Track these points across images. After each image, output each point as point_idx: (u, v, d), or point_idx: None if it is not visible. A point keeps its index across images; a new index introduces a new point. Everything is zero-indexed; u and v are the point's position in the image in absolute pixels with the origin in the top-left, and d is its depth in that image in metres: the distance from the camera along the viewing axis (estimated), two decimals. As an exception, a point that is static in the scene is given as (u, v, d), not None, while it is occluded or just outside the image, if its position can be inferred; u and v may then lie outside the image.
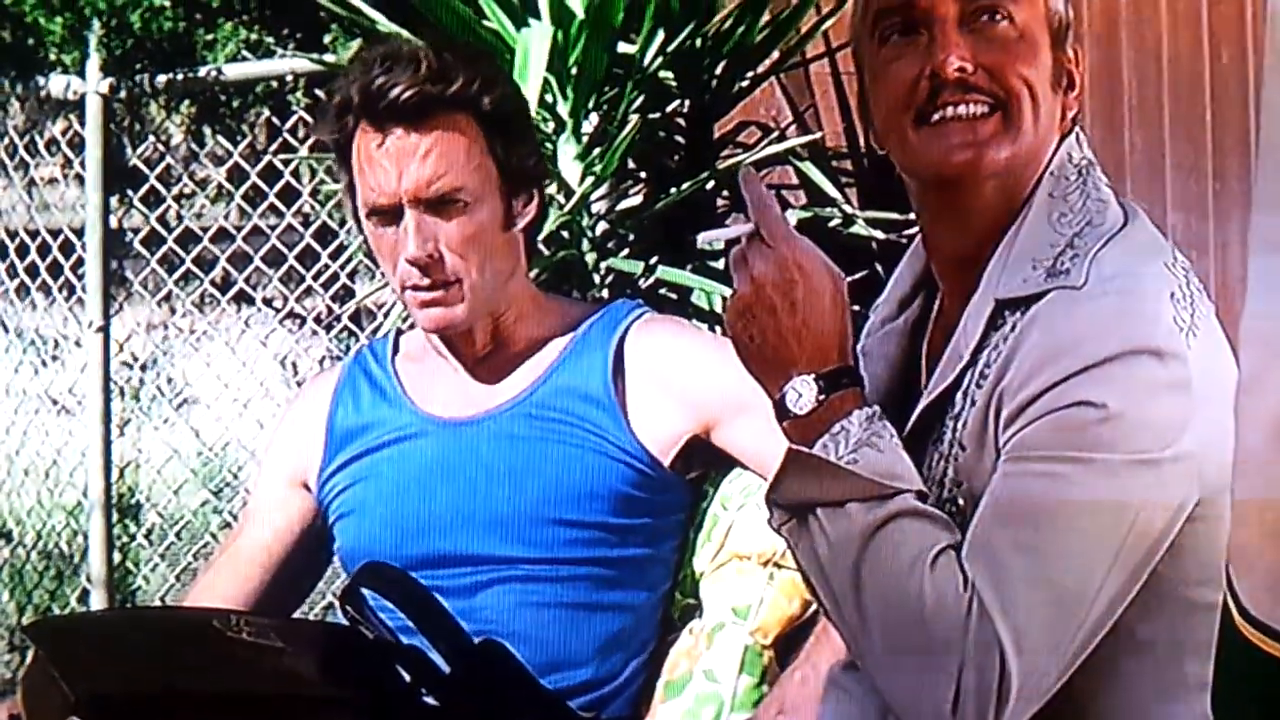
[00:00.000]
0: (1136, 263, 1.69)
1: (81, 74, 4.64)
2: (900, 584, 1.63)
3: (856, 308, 1.76)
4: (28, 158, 4.86)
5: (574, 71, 3.27)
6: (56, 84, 4.69)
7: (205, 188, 4.92)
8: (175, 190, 4.84)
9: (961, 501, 1.69)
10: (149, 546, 4.85)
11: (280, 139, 4.62)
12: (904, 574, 1.63)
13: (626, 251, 3.34)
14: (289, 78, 4.62)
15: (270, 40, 4.67)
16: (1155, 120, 3.86)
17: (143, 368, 4.93)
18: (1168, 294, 1.67)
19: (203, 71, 4.64)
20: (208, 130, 4.86)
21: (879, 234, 3.33)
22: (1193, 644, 1.69)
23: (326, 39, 4.60)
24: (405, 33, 3.11)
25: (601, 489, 2.30)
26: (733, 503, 2.35)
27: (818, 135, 3.54)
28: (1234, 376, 1.35)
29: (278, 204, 4.64)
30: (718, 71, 3.43)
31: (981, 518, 1.65)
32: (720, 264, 3.37)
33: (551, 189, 3.20)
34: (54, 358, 4.95)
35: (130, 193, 4.77)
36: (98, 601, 4.62)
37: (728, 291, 3.61)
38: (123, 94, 4.65)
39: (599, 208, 3.38)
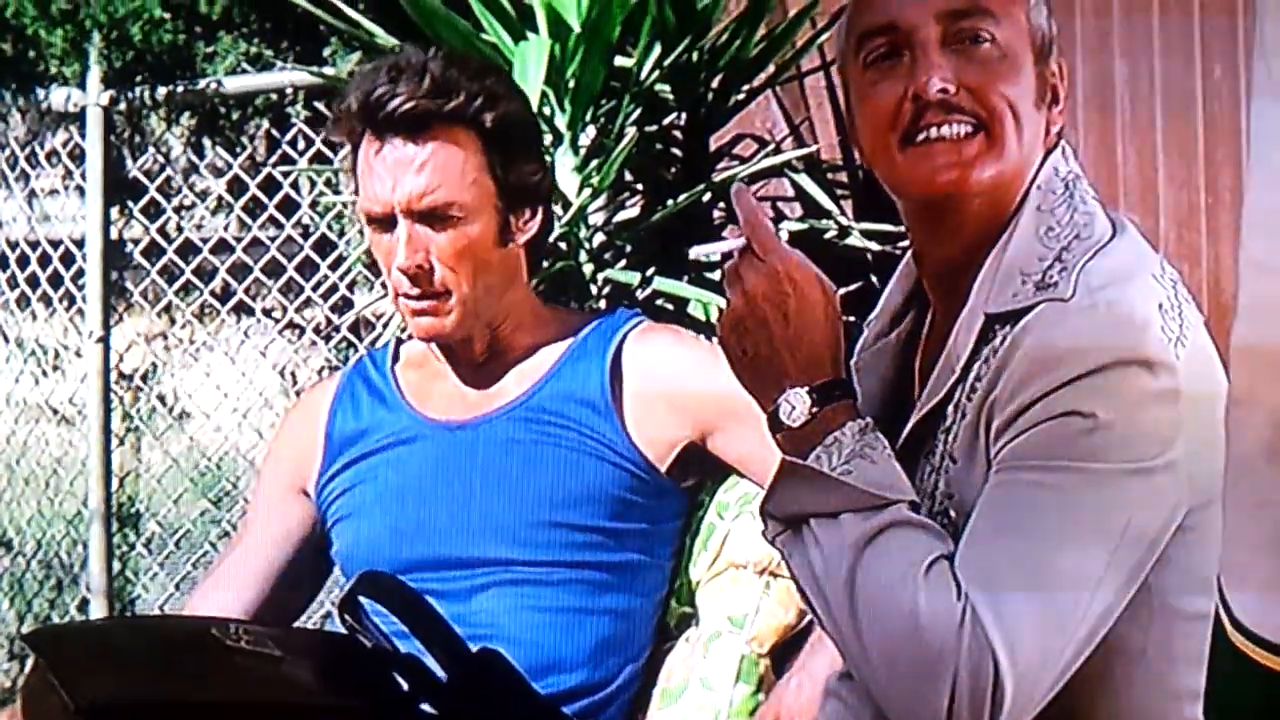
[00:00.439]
0: (1124, 274, 1.70)
1: (82, 86, 4.65)
2: (894, 594, 1.64)
3: (852, 318, 1.78)
4: (28, 169, 4.86)
5: (571, 85, 3.28)
6: (57, 96, 4.70)
7: (205, 199, 4.93)
8: (175, 202, 4.85)
9: (953, 514, 1.70)
10: (148, 556, 4.86)
11: (280, 151, 4.62)
12: (897, 584, 1.64)
13: (623, 263, 3.35)
14: (289, 90, 4.62)
15: (270, 53, 4.68)
16: (1147, 134, 3.87)
17: (143, 378, 4.93)
18: (1155, 304, 1.68)
19: (203, 84, 4.64)
20: (208, 142, 4.87)
21: (874, 246, 3.34)
22: (1183, 653, 1.70)
23: (326, 52, 4.60)
24: (411, 46, 3.12)
25: (598, 493, 2.31)
26: (729, 511, 2.36)
27: (813, 148, 3.55)
28: (1223, 386, 1.36)
29: (277, 215, 4.65)
30: (714, 85, 3.44)
31: (974, 528, 1.66)
32: (716, 276, 3.38)
33: (548, 200, 3.21)
34: (54, 368, 4.96)
35: (130, 204, 4.77)
36: (97, 610, 4.62)
37: (723, 303, 3.61)
38: (123, 106, 4.66)
39: (596, 219, 3.39)
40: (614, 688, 2.32)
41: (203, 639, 2.10)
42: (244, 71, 4.66)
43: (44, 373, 4.97)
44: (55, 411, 4.93)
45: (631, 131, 3.28)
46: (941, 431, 1.74)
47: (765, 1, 3.43)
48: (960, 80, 1.73)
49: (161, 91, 4.66)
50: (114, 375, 4.73)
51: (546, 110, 3.28)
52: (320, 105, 4.50)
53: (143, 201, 4.76)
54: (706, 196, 3.37)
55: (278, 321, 4.74)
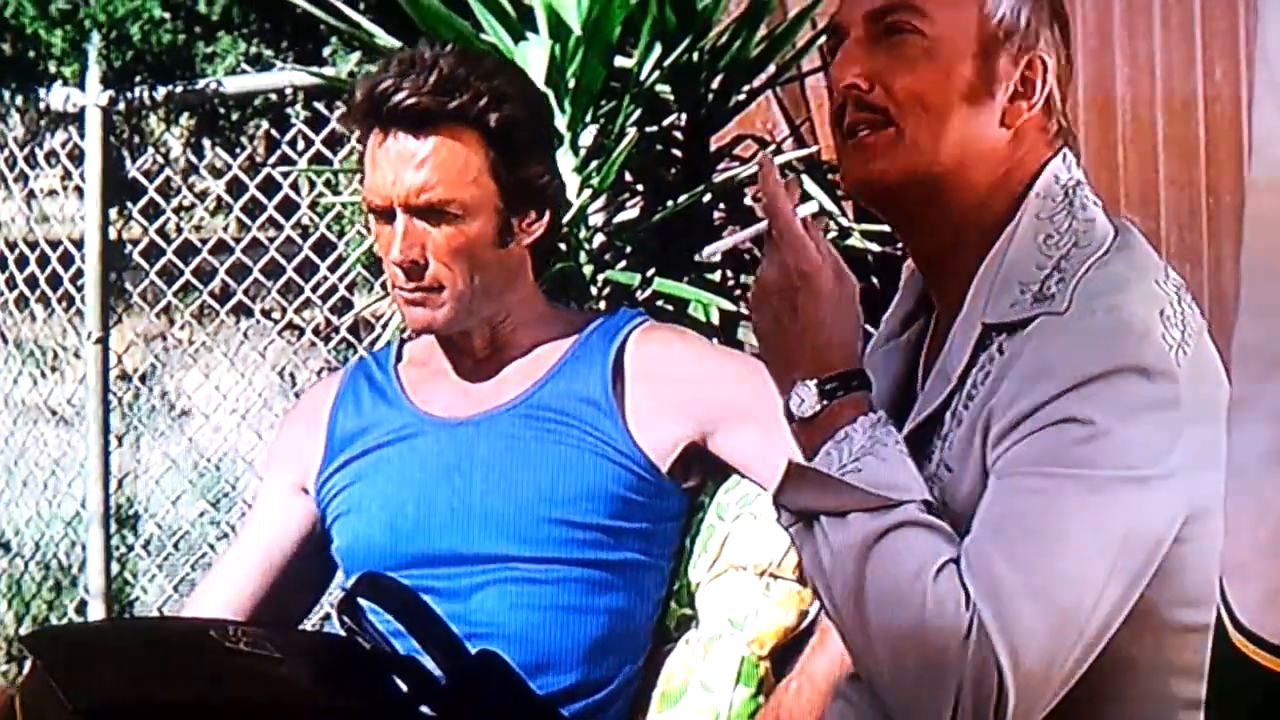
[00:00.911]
0: (1125, 282, 1.69)
1: (81, 86, 4.65)
2: (902, 595, 1.63)
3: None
4: (27, 170, 4.86)
5: (571, 85, 3.28)
6: (56, 96, 4.70)
7: (204, 200, 4.93)
8: (174, 202, 4.85)
9: (948, 522, 1.68)
10: (147, 557, 4.85)
11: (279, 151, 4.62)
12: (906, 585, 1.63)
13: (624, 264, 3.35)
14: (288, 91, 4.62)
15: (269, 53, 4.68)
16: (1149, 135, 3.87)
17: (141, 379, 4.93)
18: (1157, 311, 1.67)
19: (202, 84, 4.65)
20: (207, 143, 4.87)
21: (875, 247, 3.34)
22: (1181, 665, 1.69)
23: (326, 52, 4.61)
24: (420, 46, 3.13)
25: (598, 490, 2.31)
26: (729, 513, 2.36)
27: (813, 149, 3.55)
28: (1225, 394, 1.34)
29: (276, 216, 4.65)
30: (714, 85, 3.44)
31: (976, 534, 1.65)
32: (717, 276, 3.38)
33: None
34: (53, 369, 4.96)
35: (129, 204, 4.77)
36: (96, 612, 4.62)
37: (724, 303, 3.62)
38: (122, 106, 4.65)
39: (596, 220, 3.39)
40: (612, 688, 2.32)
41: (201, 640, 2.10)
42: (243, 72, 4.67)
43: (43, 373, 4.97)
44: (54, 412, 4.93)
45: (632, 132, 3.28)
46: (938, 439, 1.73)
47: (766, 2, 3.43)
48: (872, 75, 1.74)
49: (161, 92, 4.66)
50: (113, 376, 4.73)
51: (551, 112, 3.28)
52: (320, 106, 4.50)
53: (142, 202, 4.76)
54: (707, 197, 3.37)
55: (277, 322, 4.74)
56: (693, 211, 3.35)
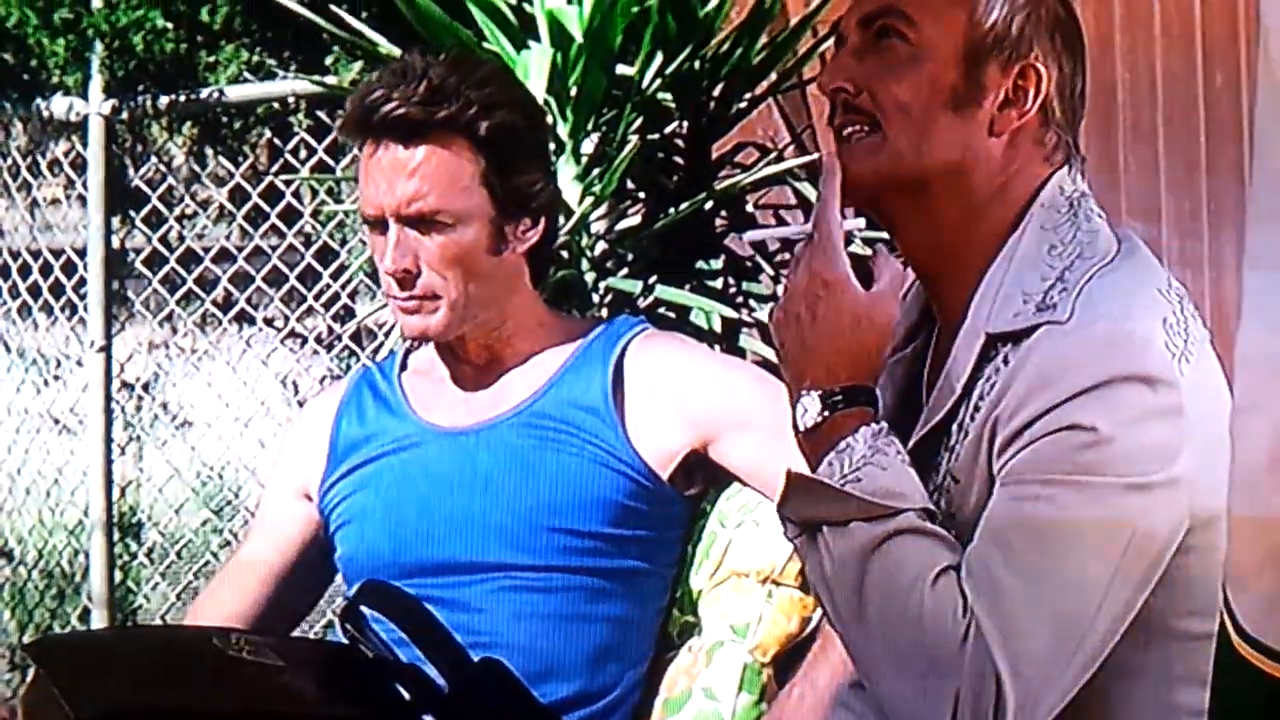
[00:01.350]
0: (1128, 291, 1.70)
1: (84, 95, 4.66)
2: (901, 603, 1.64)
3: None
4: (30, 178, 4.87)
5: (573, 93, 3.29)
6: (59, 105, 4.70)
7: (207, 208, 4.93)
8: (177, 211, 4.85)
9: (954, 533, 1.69)
10: (150, 565, 4.85)
11: (282, 160, 4.63)
12: (905, 593, 1.64)
13: (625, 271, 3.35)
14: (291, 99, 4.62)
15: (272, 62, 4.68)
16: (1149, 141, 3.88)
17: (144, 387, 4.93)
18: (1159, 320, 1.68)
19: (205, 93, 4.65)
20: (209, 151, 4.87)
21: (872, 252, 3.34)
22: (1184, 674, 1.70)
23: (328, 61, 4.61)
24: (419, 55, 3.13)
25: (599, 498, 2.31)
26: (731, 520, 2.36)
27: (815, 156, 3.55)
28: (1228, 402, 1.35)
29: (279, 224, 4.65)
30: (716, 93, 3.45)
31: (978, 542, 1.66)
32: (719, 283, 3.38)
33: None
34: (55, 377, 4.96)
35: (132, 213, 4.78)
36: (99, 620, 4.62)
37: (726, 311, 3.63)
38: (125, 115, 4.66)
39: (598, 228, 3.39)
40: (614, 696, 2.32)
41: (204, 649, 2.10)
42: (246, 80, 4.66)
43: (45, 382, 4.97)
44: (57, 421, 4.93)
45: (633, 140, 3.28)
46: (945, 450, 1.74)
47: (767, 10, 3.43)
48: (859, 80, 1.75)
49: (163, 100, 4.66)
50: (115, 384, 4.74)
51: (548, 119, 3.29)
52: (322, 114, 4.51)
53: (144, 211, 4.76)
54: (709, 205, 3.37)
55: (279, 331, 4.74)
56: (694, 219, 3.35)
